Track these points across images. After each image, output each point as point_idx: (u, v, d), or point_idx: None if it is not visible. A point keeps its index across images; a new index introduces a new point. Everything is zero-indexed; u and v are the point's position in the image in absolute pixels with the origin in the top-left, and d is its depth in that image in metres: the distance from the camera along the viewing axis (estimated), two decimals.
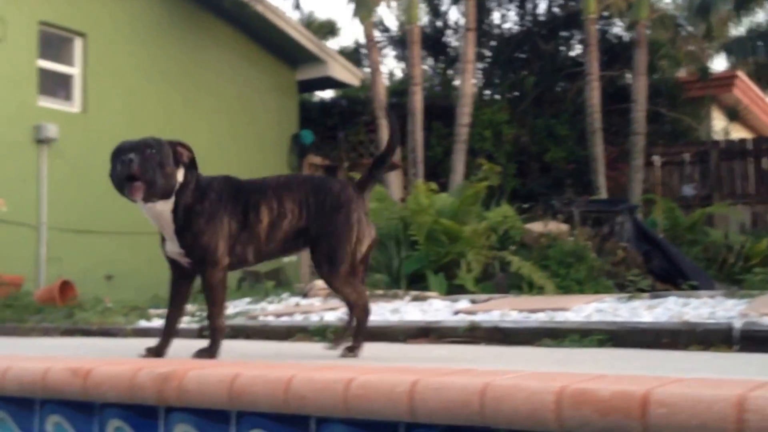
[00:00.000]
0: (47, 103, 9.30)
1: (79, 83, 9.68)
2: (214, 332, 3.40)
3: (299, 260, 11.86)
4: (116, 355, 3.68)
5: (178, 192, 3.28)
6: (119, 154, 3.21)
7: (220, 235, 3.29)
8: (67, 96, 9.64)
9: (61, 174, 9.18)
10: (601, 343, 3.68)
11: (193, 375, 2.50)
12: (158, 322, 5.75)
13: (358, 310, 3.37)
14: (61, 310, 6.97)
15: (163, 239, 3.42)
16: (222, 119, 11.35)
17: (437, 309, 5.32)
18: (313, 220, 3.32)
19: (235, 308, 6.17)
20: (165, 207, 3.29)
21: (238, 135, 11.63)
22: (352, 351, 3.36)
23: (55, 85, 9.53)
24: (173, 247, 3.36)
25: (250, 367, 2.49)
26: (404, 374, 2.14)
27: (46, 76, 9.35)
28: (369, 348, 3.47)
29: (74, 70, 9.67)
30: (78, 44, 9.70)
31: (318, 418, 2.26)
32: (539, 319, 4.42)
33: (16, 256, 8.34)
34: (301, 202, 3.34)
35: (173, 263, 3.44)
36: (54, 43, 9.52)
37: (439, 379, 2.04)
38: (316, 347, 4.19)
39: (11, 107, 8.86)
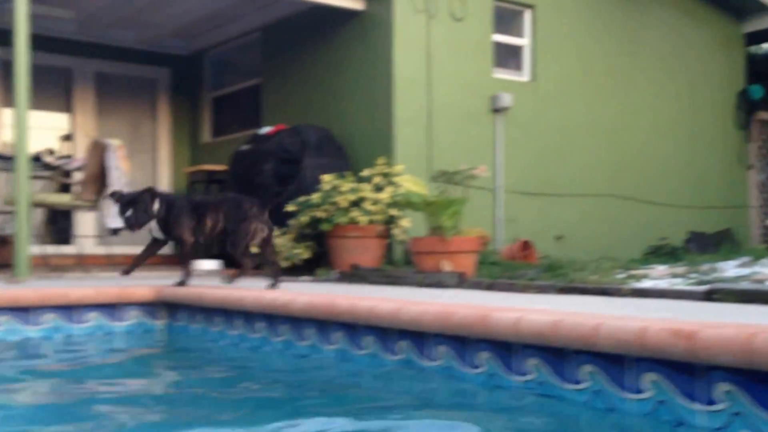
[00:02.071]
0: (501, 74, 9.85)
1: (529, 53, 10.11)
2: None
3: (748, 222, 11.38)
4: (632, 313, 3.84)
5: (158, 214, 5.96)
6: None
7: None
8: (517, 66, 10.12)
9: (514, 140, 9.70)
10: None
11: None
12: (650, 283, 5.91)
13: (244, 271, 6.01)
14: (533, 268, 7.42)
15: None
16: (664, 77, 11.17)
17: None
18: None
19: (727, 272, 6.12)
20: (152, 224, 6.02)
21: (680, 92, 11.40)
22: (273, 286, 5.83)
23: (507, 56, 10.05)
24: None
25: None
26: None
27: (498, 48, 9.90)
28: None
29: (524, 41, 10.11)
30: (527, 16, 10.12)
31: None
32: None
33: (479, 217, 9.02)
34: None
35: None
36: (505, 17, 10.03)
37: None
38: None
39: (471, 79, 9.52)
